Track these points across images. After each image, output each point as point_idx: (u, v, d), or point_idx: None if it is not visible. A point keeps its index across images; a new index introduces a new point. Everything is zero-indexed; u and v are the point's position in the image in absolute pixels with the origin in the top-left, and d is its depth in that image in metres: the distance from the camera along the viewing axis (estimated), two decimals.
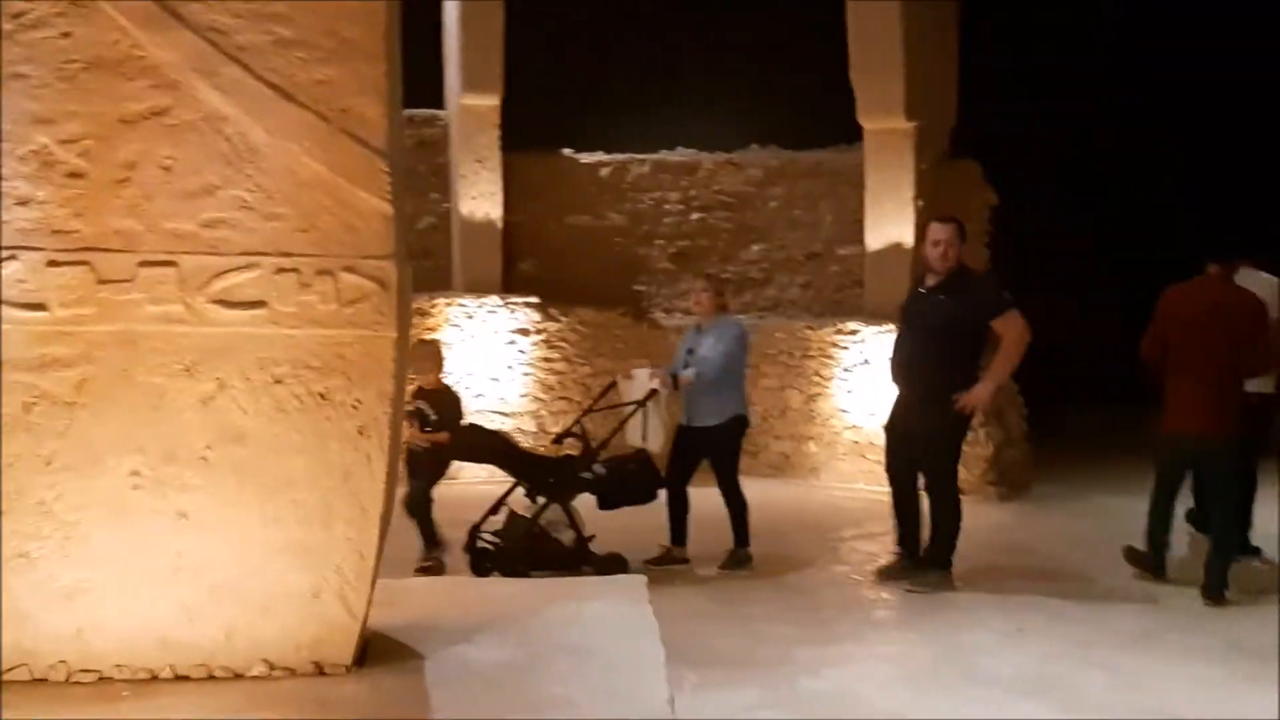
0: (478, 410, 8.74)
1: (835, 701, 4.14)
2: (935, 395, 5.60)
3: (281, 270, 3.32)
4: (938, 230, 5.65)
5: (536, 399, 8.95)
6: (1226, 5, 12.95)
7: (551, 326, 9.00)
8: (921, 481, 5.86)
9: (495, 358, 8.87)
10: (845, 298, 9.51)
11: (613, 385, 6.46)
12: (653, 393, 5.88)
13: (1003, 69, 10.93)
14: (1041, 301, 11.40)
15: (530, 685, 3.12)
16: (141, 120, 3.19)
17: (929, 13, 8.90)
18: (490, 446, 5.89)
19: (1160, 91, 13.30)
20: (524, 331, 8.95)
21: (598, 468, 5.75)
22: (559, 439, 6.17)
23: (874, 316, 8.58)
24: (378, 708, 3.10)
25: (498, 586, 4.51)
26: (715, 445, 6.11)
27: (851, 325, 8.81)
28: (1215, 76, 13.07)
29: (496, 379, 8.85)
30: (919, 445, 5.74)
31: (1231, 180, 12.55)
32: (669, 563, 6.11)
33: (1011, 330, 5.61)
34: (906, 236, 8.67)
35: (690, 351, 6.18)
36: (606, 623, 3.67)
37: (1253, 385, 5.78)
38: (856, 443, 8.57)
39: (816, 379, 8.96)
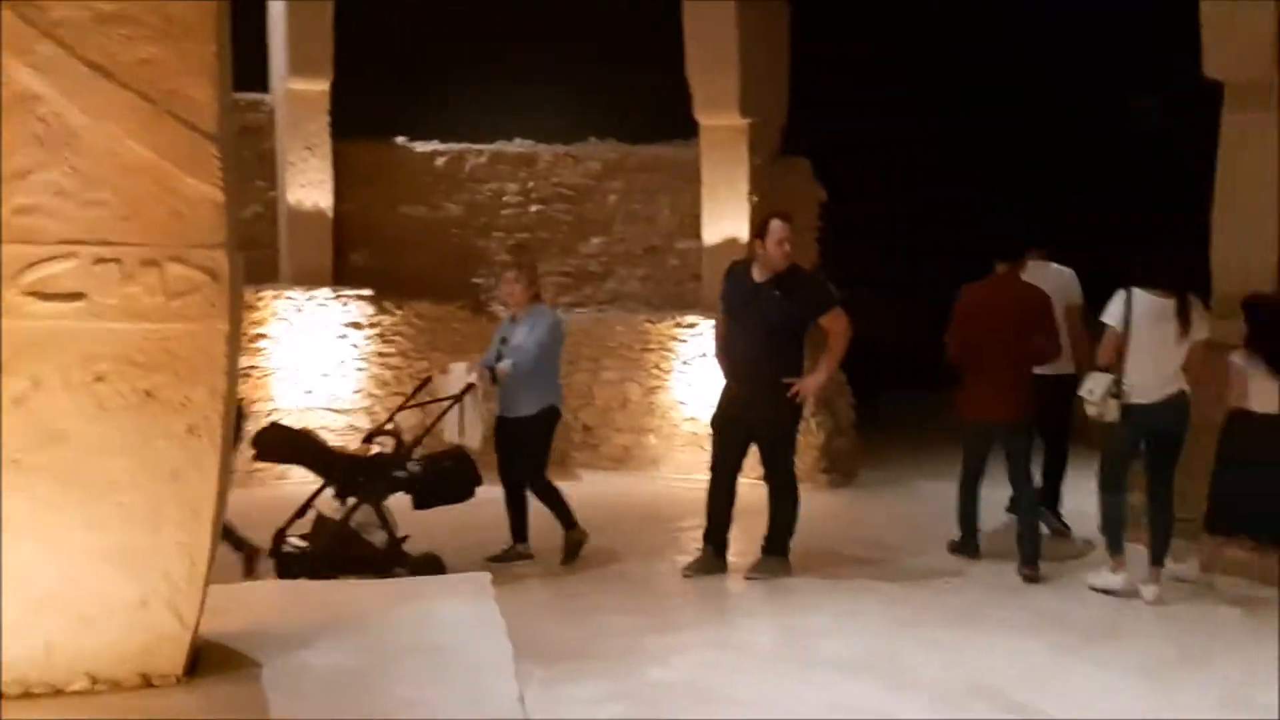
0: (306, 409, 8.48)
1: (682, 690, 4.20)
2: (775, 387, 5.75)
3: (102, 260, 3.12)
4: (784, 229, 5.80)
5: (371, 395, 8.73)
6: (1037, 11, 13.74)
7: (386, 320, 8.79)
8: (759, 473, 6.00)
9: (326, 353, 8.60)
10: (684, 291, 9.64)
11: (428, 381, 6.35)
12: (469, 387, 5.75)
13: (830, 69, 11.28)
14: (866, 294, 11.87)
15: (374, 688, 3.04)
16: None
17: (763, 13, 9.09)
18: (294, 446, 5.65)
19: (967, 94, 14.02)
20: (357, 325, 8.71)
21: (412, 466, 5.58)
22: (370, 437, 5.96)
23: (712, 309, 8.67)
24: (210, 716, 2.96)
25: (339, 589, 4.37)
26: (527, 436, 6.06)
27: (690, 318, 8.94)
28: (1017, 81, 13.87)
29: (328, 375, 8.59)
30: (759, 437, 5.87)
31: (1013, 180, 13.36)
32: (513, 558, 6.06)
33: (838, 325, 5.93)
34: (742, 231, 8.85)
35: (504, 342, 6.11)
36: (452, 622, 3.61)
37: (1051, 369, 6.25)
38: (695, 434, 8.70)
39: (656, 372, 9.06)
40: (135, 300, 3.16)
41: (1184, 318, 5.46)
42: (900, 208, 12.74)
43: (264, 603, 3.78)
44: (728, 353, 5.96)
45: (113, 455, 3.16)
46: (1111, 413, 5.52)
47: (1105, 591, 5.57)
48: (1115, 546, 5.67)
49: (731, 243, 8.96)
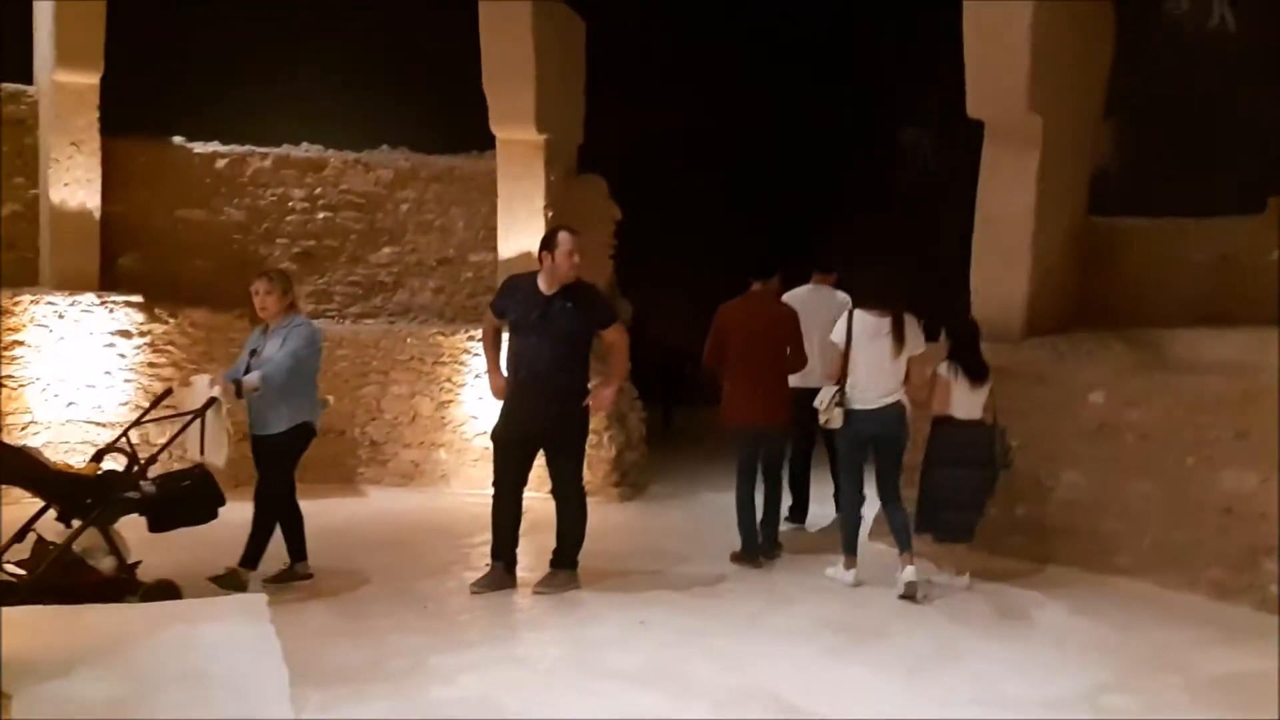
0: (67, 422, 7.92)
1: (468, 707, 4.15)
2: (565, 399, 5.79)
3: None
4: (572, 241, 5.84)
5: (139, 408, 8.23)
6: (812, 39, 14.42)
7: (157, 328, 8.31)
8: (549, 487, 6.02)
9: (91, 362, 8.06)
10: (477, 303, 9.55)
11: (168, 393, 6.02)
12: (211, 401, 5.41)
13: (625, 89, 11.51)
14: (658, 309, 12.12)
15: (136, 716, 2.87)
16: None
17: (559, 30, 9.16)
18: (7, 465, 5.11)
19: (753, 121, 14.60)
20: (125, 334, 8.19)
21: (146, 485, 5.19)
22: (99, 455, 5.55)
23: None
24: None
25: (98, 614, 4.09)
26: (276, 453, 5.81)
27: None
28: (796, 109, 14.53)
29: (93, 386, 8.05)
30: (548, 450, 5.89)
31: (773, 206, 14.08)
32: (290, 579, 5.84)
33: (621, 339, 6.12)
34: (537, 245, 8.84)
35: (253, 354, 5.87)
36: (224, 646, 3.45)
37: (798, 380, 6.84)
38: (487, 448, 8.56)
39: (448, 385, 8.94)
40: None
41: (898, 335, 6.02)
42: (689, 227, 13.09)
43: (12, 630, 3.50)
44: (513, 366, 5.94)
45: None
46: (836, 419, 6.10)
47: (839, 582, 6.16)
48: (847, 547, 6.20)
49: (527, 257, 8.94)
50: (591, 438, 8.35)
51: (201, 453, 5.40)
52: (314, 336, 5.95)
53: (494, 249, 9.35)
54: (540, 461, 5.97)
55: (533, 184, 9.01)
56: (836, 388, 6.07)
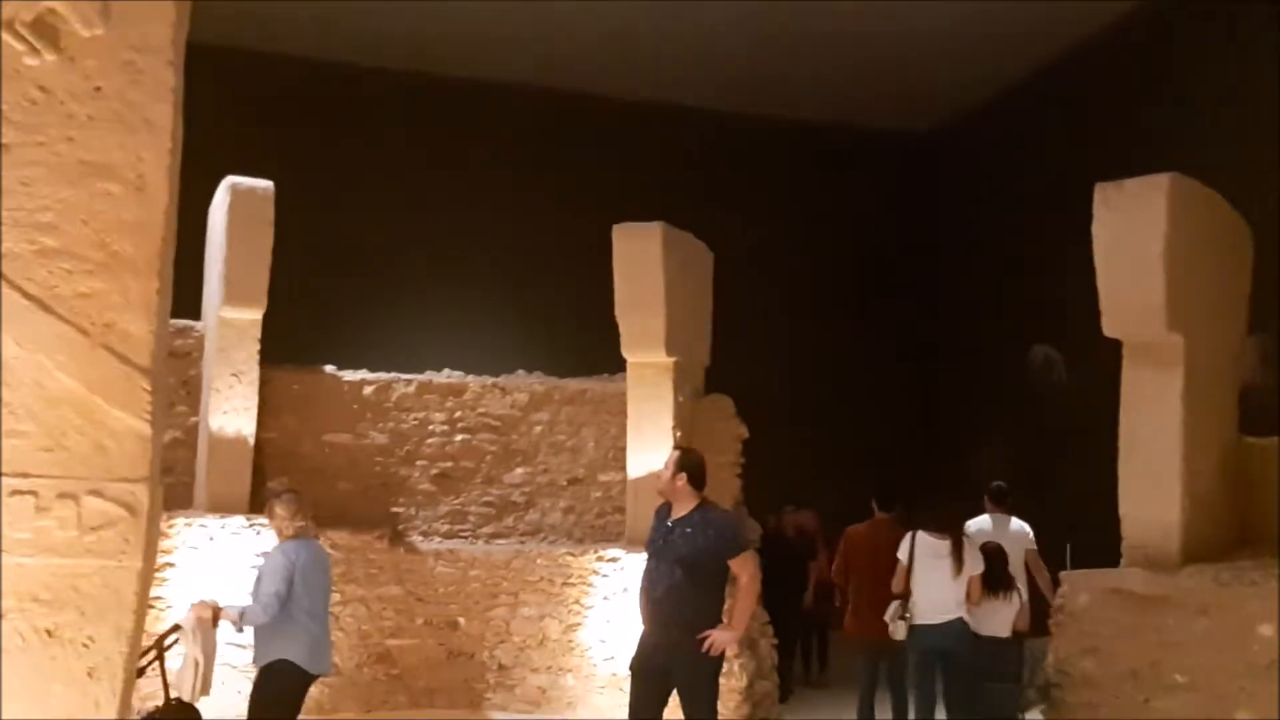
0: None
1: None
2: (691, 630, 5.63)
3: (16, 492, 3.07)
4: (669, 458, 5.95)
5: None
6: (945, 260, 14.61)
7: None
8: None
9: (240, 584, 8.29)
10: (606, 523, 9.59)
11: (177, 628, 5.59)
12: (171, 629, 5.23)
13: (750, 315, 11.81)
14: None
15: None
16: None
17: (689, 259, 9.52)
18: None
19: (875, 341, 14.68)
20: (266, 554, 8.43)
21: None
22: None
23: (635, 544, 8.67)
24: None
25: None
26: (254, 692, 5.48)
27: (612, 552, 8.86)
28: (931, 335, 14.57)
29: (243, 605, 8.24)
30: (678, 683, 5.71)
31: (898, 442, 13.91)
32: None
33: (746, 570, 5.80)
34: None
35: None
36: None
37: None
38: (615, 675, 8.45)
39: (576, 607, 8.87)
40: (47, 534, 3.08)
41: (957, 556, 6.83)
42: (815, 447, 13.03)
43: None
44: (648, 594, 5.85)
45: (5, 702, 2.98)
46: (900, 632, 6.91)
47: None
48: None
49: (654, 476, 9.01)
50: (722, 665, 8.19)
51: (166, 687, 5.15)
52: (285, 561, 5.57)
53: (623, 468, 9.44)
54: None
55: (661, 405, 9.14)
56: (900, 603, 6.94)
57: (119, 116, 3.14)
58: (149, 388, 3.25)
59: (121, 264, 3.21)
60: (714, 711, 5.75)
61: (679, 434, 9.09)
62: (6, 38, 3.08)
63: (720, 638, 5.63)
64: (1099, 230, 6.72)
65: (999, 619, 6.83)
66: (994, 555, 7.11)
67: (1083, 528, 10.25)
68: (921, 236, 15.08)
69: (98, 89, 3.14)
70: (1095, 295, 6.67)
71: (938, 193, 15.13)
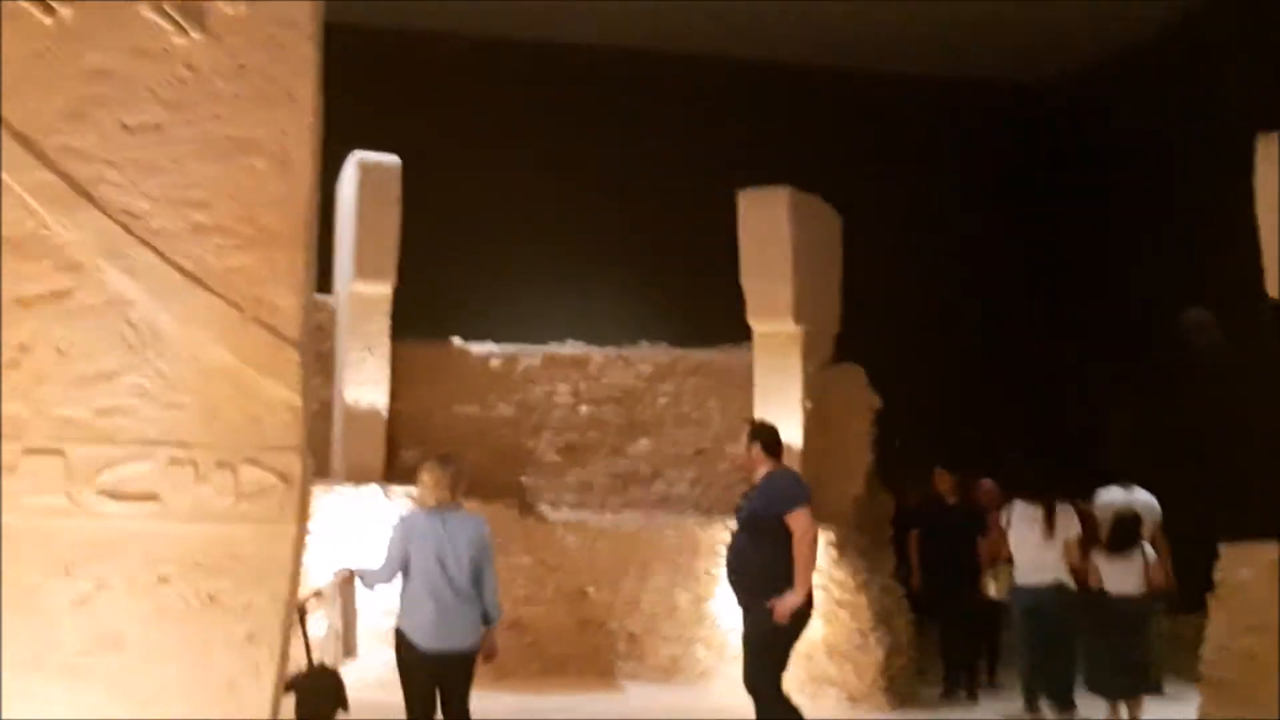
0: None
1: None
2: (748, 591, 5.69)
3: (177, 461, 3.16)
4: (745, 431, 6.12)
5: None
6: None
7: None
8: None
9: (376, 551, 8.50)
10: (733, 495, 9.43)
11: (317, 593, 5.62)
12: (315, 593, 5.25)
13: (883, 280, 11.52)
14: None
15: None
16: (39, 302, 3.06)
17: (816, 224, 9.33)
18: None
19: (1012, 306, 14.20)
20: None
21: None
22: None
23: None
24: None
25: None
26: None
27: None
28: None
29: (368, 568, 8.46)
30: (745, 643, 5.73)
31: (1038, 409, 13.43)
32: None
33: (797, 527, 5.64)
34: (795, 437, 8.80)
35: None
36: None
37: None
38: None
39: (705, 578, 8.84)
40: (206, 502, 3.16)
41: (1049, 521, 7.31)
42: (950, 414, 12.69)
43: None
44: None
45: (168, 663, 3.07)
46: (990, 589, 7.95)
47: None
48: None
49: (785, 449, 8.89)
50: (855, 638, 8.06)
51: (309, 651, 5.18)
52: (393, 533, 5.54)
53: None
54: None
55: (790, 375, 9.01)
56: (1003, 565, 7.71)
57: (263, 93, 3.19)
58: (298, 359, 3.30)
59: (269, 238, 3.26)
60: (766, 679, 5.58)
61: (808, 405, 8.96)
62: (155, 18, 3.15)
63: (782, 607, 5.52)
64: (1261, 184, 6.34)
65: (1125, 578, 7.18)
66: (1119, 517, 7.49)
67: (1236, 501, 9.79)
68: (1059, 195, 14.51)
69: (242, 66, 3.19)
70: (1256, 254, 6.31)
71: (1075, 148, 14.51)
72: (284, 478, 3.22)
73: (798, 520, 5.64)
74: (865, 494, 9.11)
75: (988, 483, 8.98)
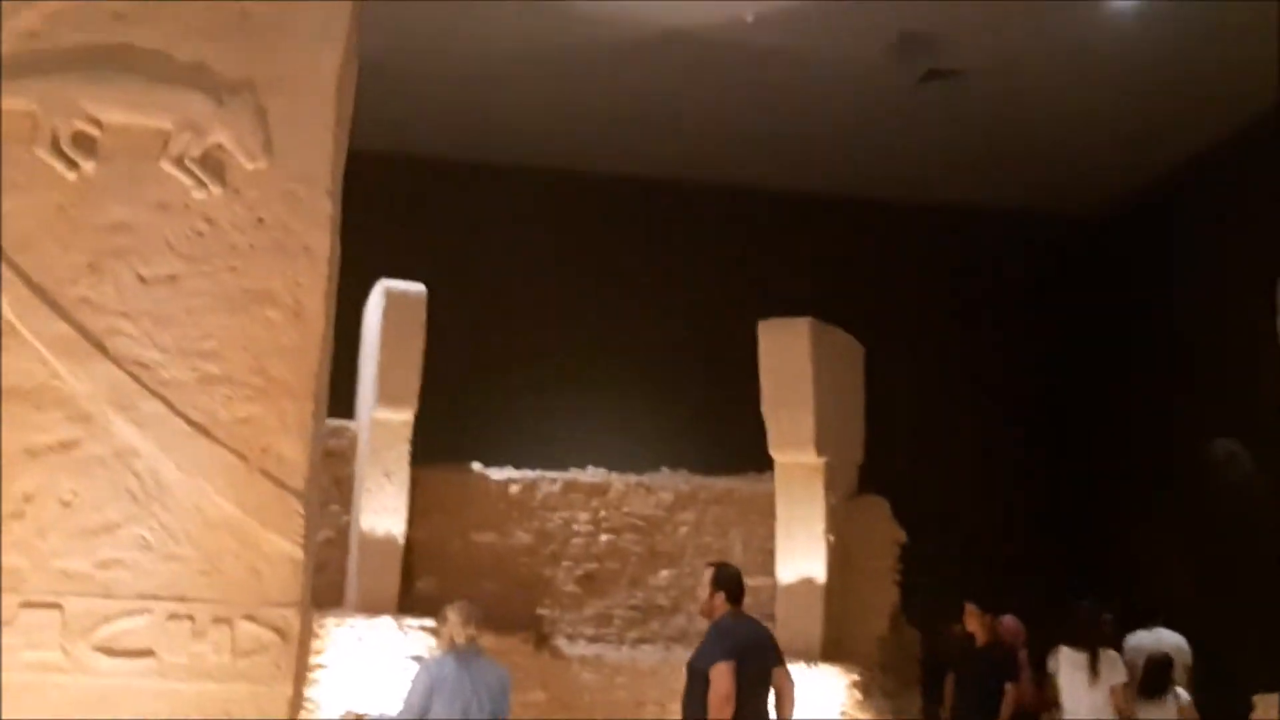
0: None
1: None
2: None
3: (175, 616, 3.09)
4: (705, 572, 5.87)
5: None
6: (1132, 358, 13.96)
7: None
8: None
9: (387, 686, 8.31)
10: None
11: None
12: None
13: (907, 411, 11.44)
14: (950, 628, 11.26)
15: None
16: (47, 452, 3.04)
17: (838, 354, 9.32)
18: None
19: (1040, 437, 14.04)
20: (419, 659, 8.44)
21: None
22: None
23: (787, 654, 8.34)
24: None
25: None
26: None
27: None
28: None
29: (383, 712, 8.26)
30: None
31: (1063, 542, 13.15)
32: None
33: (711, 680, 5.50)
34: (818, 571, 8.63)
35: None
36: None
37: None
38: None
39: None
40: (202, 659, 3.08)
41: (1094, 668, 7.28)
42: (981, 549, 12.43)
43: None
44: None
45: None
46: None
47: None
48: None
49: (807, 583, 8.72)
50: None
51: None
52: (419, 677, 5.53)
53: (773, 573, 9.17)
54: None
55: (812, 507, 8.89)
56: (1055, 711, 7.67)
57: (279, 245, 3.22)
58: (302, 511, 3.26)
59: (279, 388, 3.25)
60: None
61: (831, 538, 8.81)
62: (177, 173, 3.21)
63: None
64: None
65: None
66: (1152, 661, 7.64)
67: (1269, 639, 9.46)
68: (1085, 326, 14.47)
69: (260, 219, 3.23)
70: None
71: (1101, 281, 14.52)
72: (282, 635, 3.15)
73: (711, 674, 5.50)
74: (890, 632, 8.88)
75: (1009, 619, 8.62)
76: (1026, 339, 14.54)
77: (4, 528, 2.98)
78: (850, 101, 12.47)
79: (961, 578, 9.79)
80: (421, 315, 9.20)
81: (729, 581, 5.86)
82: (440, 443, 9.91)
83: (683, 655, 9.00)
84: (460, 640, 5.56)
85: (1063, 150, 13.09)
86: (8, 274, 3.03)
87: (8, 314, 3.01)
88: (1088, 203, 14.53)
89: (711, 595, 5.80)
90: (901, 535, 9.10)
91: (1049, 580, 10.60)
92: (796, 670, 7.27)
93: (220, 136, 3.21)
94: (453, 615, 5.62)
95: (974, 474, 13.19)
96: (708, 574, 5.88)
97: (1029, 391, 14.24)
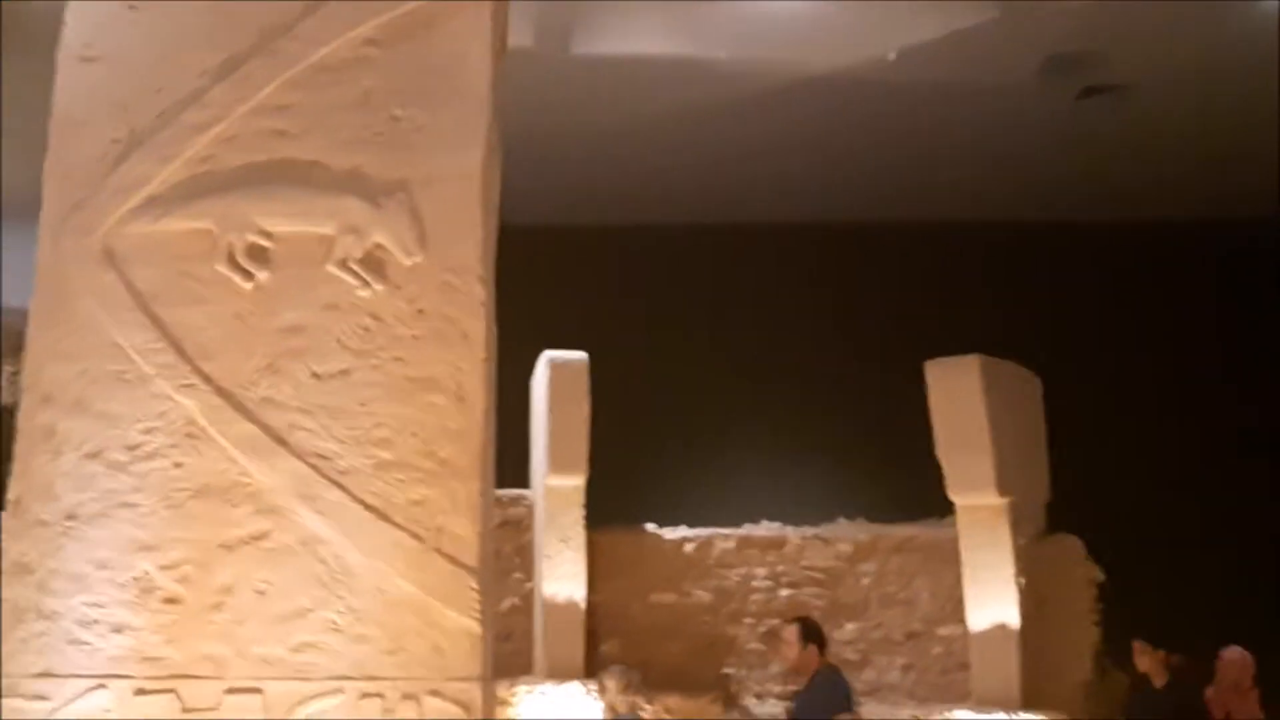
0: None
1: None
2: None
3: (366, 695, 3.22)
4: (784, 631, 6.02)
5: None
6: None
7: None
8: None
9: None
10: (950, 681, 8.96)
11: None
12: None
13: (1094, 443, 10.90)
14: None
15: None
16: (241, 545, 3.24)
17: (1013, 389, 9.00)
18: None
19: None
20: None
21: None
22: None
23: (983, 703, 8.04)
24: None
25: None
26: None
27: (959, 713, 8.23)
28: None
29: None
30: None
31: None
32: None
33: None
34: (1011, 617, 8.28)
35: None
36: None
37: None
38: None
39: None
40: None
41: None
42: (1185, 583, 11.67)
43: None
44: None
45: None
46: None
47: None
48: None
49: (1000, 629, 8.37)
50: None
51: None
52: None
53: (962, 620, 8.84)
54: None
55: (999, 551, 8.54)
56: None
57: (439, 333, 3.38)
58: (477, 587, 3.36)
59: (448, 470, 3.37)
60: None
61: (1022, 580, 8.45)
62: (343, 275, 3.41)
63: None
64: None
65: None
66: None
67: None
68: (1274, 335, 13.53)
69: (420, 311, 3.40)
70: None
71: None
72: (465, 708, 3.24)
73: None
74: (1096, 675, 8.42)
75: (1233, 652, 7.80)
76: (1218, 353, 13.66)
77: (208, 619, 3.18)
78: (1007, 128, 12.15)
79: (1171, 613, 9.22)
80: (584, 382, 9.40)
81: (818, 634, 6.07)
82: (614, 506, 10.03)
83: (875, 710, 8.79)
84: (622, 709, 5.64)
85: (1235, 151, 12.38)
86: (198, 383, 3.28)
87: (200, 420, 3.25)
88: (1262, 202, 13.65)
89: (803, 649, 5.93)
90: (1098, 574, 8.64)
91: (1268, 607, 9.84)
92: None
93: (379, 237, 3.41)
94: (611, 684, 5.72)
95: (1175, 502, 12.42)
96: (792, 629, 6.05)
97: (1223, 409, 13.36)
